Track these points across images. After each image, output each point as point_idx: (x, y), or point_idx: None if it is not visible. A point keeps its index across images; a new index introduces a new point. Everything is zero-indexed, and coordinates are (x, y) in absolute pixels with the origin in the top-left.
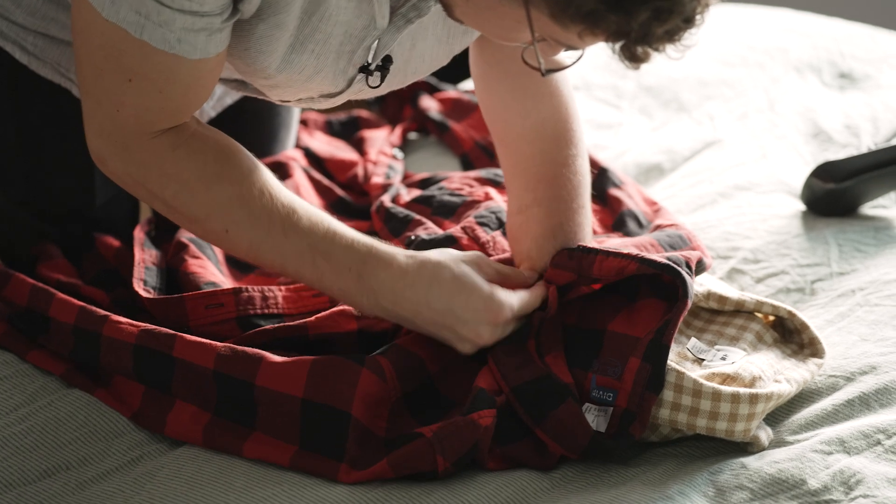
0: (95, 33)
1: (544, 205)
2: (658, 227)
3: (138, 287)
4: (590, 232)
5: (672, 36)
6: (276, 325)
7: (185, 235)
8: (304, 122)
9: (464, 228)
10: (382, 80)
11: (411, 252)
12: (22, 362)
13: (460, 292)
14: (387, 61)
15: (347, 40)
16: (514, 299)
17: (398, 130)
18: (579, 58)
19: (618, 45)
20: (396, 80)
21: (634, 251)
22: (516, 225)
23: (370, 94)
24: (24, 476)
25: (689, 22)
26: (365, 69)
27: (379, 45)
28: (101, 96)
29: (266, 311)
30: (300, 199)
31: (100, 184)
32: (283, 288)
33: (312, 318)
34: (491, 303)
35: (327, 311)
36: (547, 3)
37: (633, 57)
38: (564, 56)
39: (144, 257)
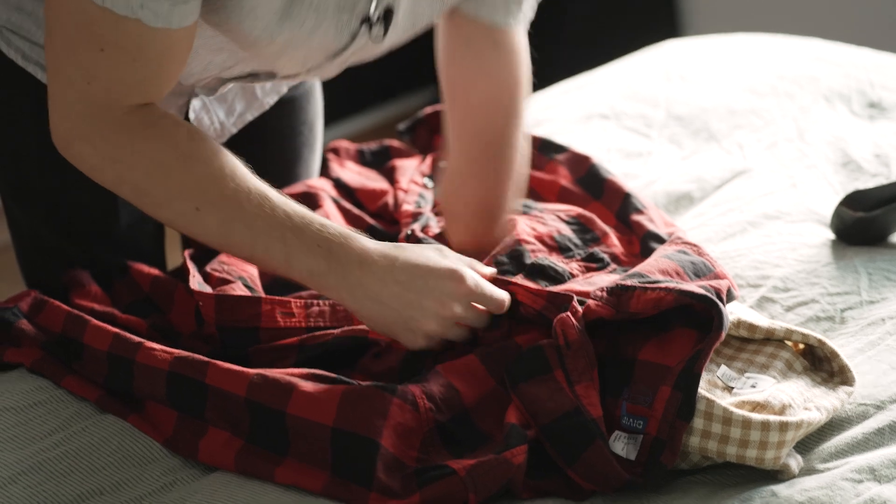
0: (66, 2)
1: (481, 179)
2: (674, 242)
3: (198, 286)
4: (514, 200)
5: None
6: (341, 329)
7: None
8: (335, 151)
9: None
10: (386, 31)
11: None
12: (56, 388)
13: (424, 261)
14: (388, 14)
15: None
16: (477, 275)
17: (429, 159)
18: None
19: None
20: (396, 34)
21: (672, 283)
22: (451, 188)
23: (374, 50)
24: (59, 501)
25: None
26: (367, 20)
27: None
28: (73, 71)
29: (336, 323)
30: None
31: (123, 202)
32: None
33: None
34: (453, 269)
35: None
36: None
37: None
38: None
39: (195, 274)
